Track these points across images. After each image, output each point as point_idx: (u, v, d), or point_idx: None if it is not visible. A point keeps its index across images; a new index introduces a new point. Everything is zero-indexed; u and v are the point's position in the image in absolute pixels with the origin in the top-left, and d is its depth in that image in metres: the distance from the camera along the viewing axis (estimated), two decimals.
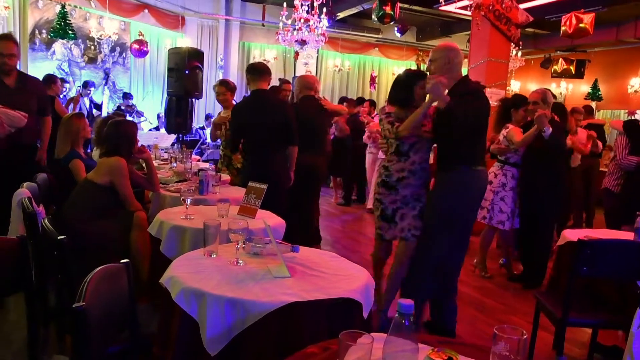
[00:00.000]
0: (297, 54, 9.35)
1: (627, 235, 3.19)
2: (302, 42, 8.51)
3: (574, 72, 11.56)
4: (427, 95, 3.13)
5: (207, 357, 1.70)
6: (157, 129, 10.06)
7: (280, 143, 4.15)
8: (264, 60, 11.91)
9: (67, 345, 2.39)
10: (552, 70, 11.84)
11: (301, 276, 1.98)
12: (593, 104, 11.95)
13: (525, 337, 1.12)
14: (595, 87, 11.84)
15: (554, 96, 4.71)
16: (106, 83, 10.47)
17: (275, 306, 1.68)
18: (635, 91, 11.34)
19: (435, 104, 3.09)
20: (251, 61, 12.29)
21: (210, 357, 1.70)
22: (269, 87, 4.53)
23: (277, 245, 2.11)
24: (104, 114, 8.99)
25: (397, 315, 1.07)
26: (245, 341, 1.69)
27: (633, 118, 4.55)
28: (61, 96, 7.57)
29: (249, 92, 4.48)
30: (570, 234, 3.23)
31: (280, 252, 2.06)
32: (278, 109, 4.13)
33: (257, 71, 4.21)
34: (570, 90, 12.82)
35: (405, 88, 3.25)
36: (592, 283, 3.01)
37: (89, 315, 1.36)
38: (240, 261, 2.09)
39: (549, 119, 4.16)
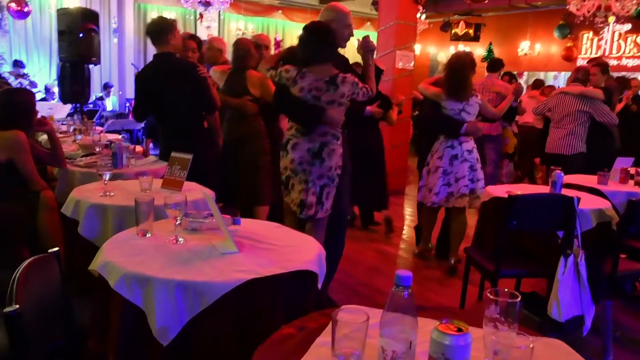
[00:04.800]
0: (201, 16, 8.86)
1: (544, 189, 3.37)
2: (207, 4, 8.09)
3: (472, 36, 12.08)
4: None
5: (156, 347, 1.54)
6: (44, 99, 9.16)
7: (194, 113, 3.74)
8: None
9: None
10: (453, 34, 12.29)
11: (250, 250, 1.85)
12: None
13: (518, 299, 1.10)
14: (490, 50, 12.45)
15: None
16: None
17: (232, 286, 1.54)
18: (525, 54, 12.10)
19: None
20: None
21: (160, 347, 1.54)
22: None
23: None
24: None
25: (394, 287, 0.99)
26: (200, 325, 1.55)
27: (605, 87, 4.95)
28: None
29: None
30: (494, 190, 3.35)
31: (225, 225, 1.91)
32: (186, 75, 3.60)
33: (154, 32, 3.60)
34: None
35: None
36: (515, 237, 3.15)
37: (24, 318, 1.16)
38: (180, 239, 1.91)
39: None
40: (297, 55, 3.05)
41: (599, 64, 5.14)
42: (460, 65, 4.01)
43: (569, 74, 5.64)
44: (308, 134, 2.99)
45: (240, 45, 4.04)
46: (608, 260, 3.04)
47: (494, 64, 5.94)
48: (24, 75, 8.76)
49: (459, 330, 0.92)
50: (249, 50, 3.99)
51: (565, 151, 4.97)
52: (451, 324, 0.94)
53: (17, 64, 9.09)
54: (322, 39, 2.97)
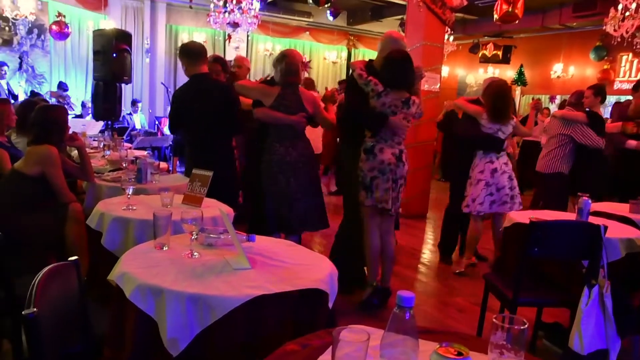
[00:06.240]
0: (229, 37, 9.04)
1: (570, 216, 3.29)
2: (235, 25, 8.25)
3: (501, 58, 11.98)
4: None
5: (167, 357, 1.56)
6: (80, 116, 9.46)
7: (223, 133, 3.92)
8: None
9: (4, 351, 2.15)
10: (481, 55, 12.21)
11: (262, 267, 1.87)
12: (518, 89, 12.45)
13: (526, 326, 1.08)
14: (520, 72, 12.31)
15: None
16: (20, 68, 9.65)
17: (241, 301, 1.57)
18: (558, 76, 11.88)
19: None
20: (179, 45, 11.80)
21: (171, 358, 1.56)
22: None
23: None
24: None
25: (395, 308, 0.99)
26: (210, 338, 1.58)
27: (590, 110, 4.96)
28: None
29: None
30: (516, 216, 3.28)
31: (239, 241, 1.94)
32: (220, 96, 3.84)
33: (193, 54, 3.85)
34: (497, 75, 13.29)
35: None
36: (537, 263, 3.07)
37: (41, 321, 1.22)
38: (195, 253, 1.95)
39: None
40: (376, 71, 3.57)
41: (593, 86, 5.16)
42: (504, 94, 4.43)
43: (610, 98, 5.65)
44: (387, 141, 3.53)
45: (294, 59, 3.74)
46: (638, 293, 2.93)
47: None
48: (65, 98, 9.06)
49: (459, 354, 0.92)
50: (299, 66, 3.78)
51: (543, 170, 5.19)
52: (451, 347, 0.93)
53: (61, 86, 9.46)
54: (408, 68, 3.53)
